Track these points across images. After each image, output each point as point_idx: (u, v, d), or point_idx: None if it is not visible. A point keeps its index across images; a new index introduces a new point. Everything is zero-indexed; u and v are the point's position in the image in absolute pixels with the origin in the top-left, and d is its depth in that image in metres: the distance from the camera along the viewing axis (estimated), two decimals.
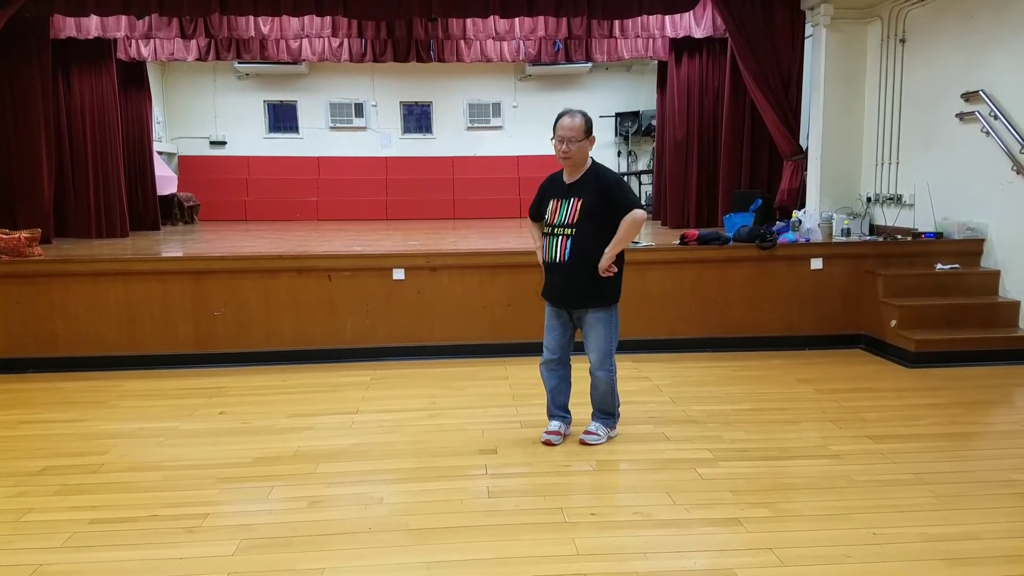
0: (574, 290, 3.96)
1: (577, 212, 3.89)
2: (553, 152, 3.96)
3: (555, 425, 4.17)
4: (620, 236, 3.91)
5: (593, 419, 4.21)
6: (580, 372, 4.18)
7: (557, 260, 3.94)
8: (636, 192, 13.69)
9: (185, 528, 3.20)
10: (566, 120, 3.87)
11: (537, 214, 4.20)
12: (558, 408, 4.20)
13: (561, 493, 3.52)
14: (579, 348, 4.16)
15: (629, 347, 6.18)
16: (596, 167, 3.99)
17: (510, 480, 3.68)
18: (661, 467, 3.81)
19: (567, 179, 3.97)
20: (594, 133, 3.95)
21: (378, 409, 4.86)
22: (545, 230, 4.04)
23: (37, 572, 2.85)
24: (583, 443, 4.08)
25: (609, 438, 4.18)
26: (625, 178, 13.64)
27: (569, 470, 3.79)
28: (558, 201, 3.97)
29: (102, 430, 4.53)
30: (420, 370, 5.80)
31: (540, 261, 4.15)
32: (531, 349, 6.17)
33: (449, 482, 3.66)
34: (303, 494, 3.55)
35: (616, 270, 3.94)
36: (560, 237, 3.93)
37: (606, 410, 4.19)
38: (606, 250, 3.90)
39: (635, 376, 5.54)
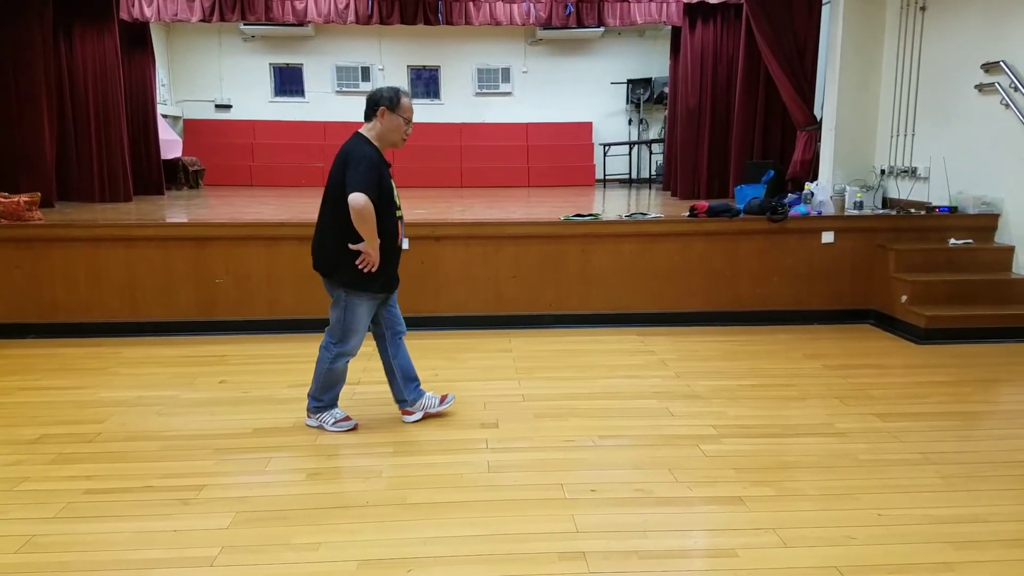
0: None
1: None
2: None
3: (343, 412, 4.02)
4: None
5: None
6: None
7: (405, 246, 3.86)
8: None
9: (180, 500, 3.17)
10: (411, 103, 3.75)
11: (375, 186, 3.60)
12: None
13: (562, 468, 3.47)
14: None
15: (635, 320, 6.14)
16: None
17: (510, 455, 3.64)
18: (664, 443, 3.76)
19: (388, 160, 3.77)
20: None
21: (379, 380, 4.73)
22: (398, 213, 3.78)
23: (29, 543, 2.82)
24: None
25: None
26: (636, 147, 13.52)
27: (571, 445, 3.74)
28: (392, 182, 3.77)
29: (101, 398, 4.50)
30: (423, 341, 5.73)
31: (375, 251, 3.62)
32: (536, 321, 6.15)
33: (449, 455, 3.62)
34: (301, 466, 3.52)
35: None
36: (402, 219, 3.84)
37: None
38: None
39: (641, 350, 5.48)
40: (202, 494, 3.22)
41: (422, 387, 4.09)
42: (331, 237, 3.67)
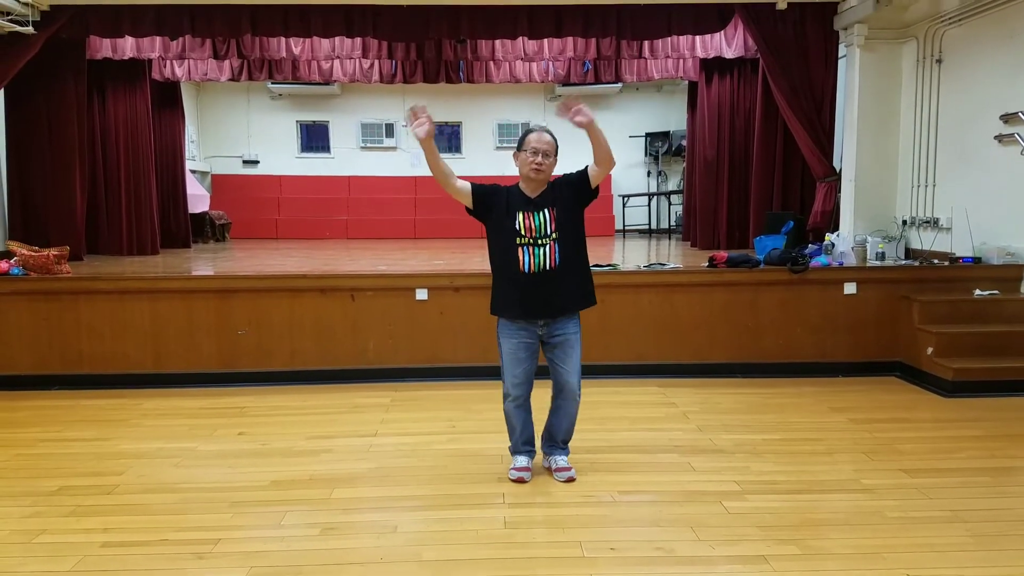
0: (567, 293, 3.80)
1: (555, 219, 3.77)
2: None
3: (524, 461, 3.98)
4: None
5: (561, 452, 4.01)
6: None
7: (546, 268, 3.73)
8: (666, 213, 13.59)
9: (195, 554, 3.15)
10: (540, 135, 3.83)
11: (481, 196, 3.90)
12: (528, 443, 4.02)
13: (580, 525, 3.40)
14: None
15: (655, 371, 6.08)
16: (550, 182, 3.92)
17: (528, 510, 3.58)
18: (686, 499, 3.68)
19: (530, 194, 3.83)
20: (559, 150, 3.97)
21: (397, 432, 4.79)
22: (519, 241, 3.76)
23: None
24: (571, 480, 3.89)
25: None
26: (655, 199, 13.56)
27: (589, 501, 3.68)
28: (528, 214, 3.77)
29: (121, 449, 4.52)
30: (441, 392, 5.73)
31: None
32: None
33: (465, 511, 3.57)
34: (317, 520, 3.48)
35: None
36: (545, 246, 3.74)
37: (569, 438, 4.03)
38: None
39: (662, 402, 5.41)
40: (217, 548, 3.20)
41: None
42: None
